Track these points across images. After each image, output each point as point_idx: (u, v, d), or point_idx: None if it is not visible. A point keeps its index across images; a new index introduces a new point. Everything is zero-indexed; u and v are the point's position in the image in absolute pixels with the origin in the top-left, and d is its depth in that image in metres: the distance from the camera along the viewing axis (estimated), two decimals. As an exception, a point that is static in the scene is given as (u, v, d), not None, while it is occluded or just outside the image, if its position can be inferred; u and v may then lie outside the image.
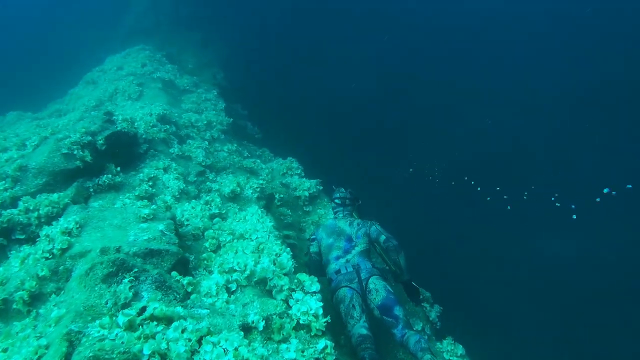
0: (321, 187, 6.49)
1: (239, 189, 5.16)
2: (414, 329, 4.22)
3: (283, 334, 2.87)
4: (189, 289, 3.20)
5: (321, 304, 3.20)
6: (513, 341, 8.68)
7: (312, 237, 4.99)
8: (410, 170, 11.36)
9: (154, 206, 4.16)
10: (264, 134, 10.95)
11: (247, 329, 2.84)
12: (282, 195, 6.25)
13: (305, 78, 16.71)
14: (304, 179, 6.67)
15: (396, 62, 18.02)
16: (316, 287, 3.43)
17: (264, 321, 2.86)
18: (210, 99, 8.77)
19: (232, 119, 8.06)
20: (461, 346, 4.81)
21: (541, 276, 10.83)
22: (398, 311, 4.02)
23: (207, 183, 5.51)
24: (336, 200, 5.27)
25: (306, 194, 6.34)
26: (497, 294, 10.62)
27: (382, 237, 4.68)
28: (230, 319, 2.87)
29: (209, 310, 2.92)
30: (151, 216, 3.82)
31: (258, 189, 5.24)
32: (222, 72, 12.32)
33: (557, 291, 10.14)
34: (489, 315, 9.12)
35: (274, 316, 2.96)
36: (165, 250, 3.39)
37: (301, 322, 3.02)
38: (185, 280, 3.18)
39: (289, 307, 3.13)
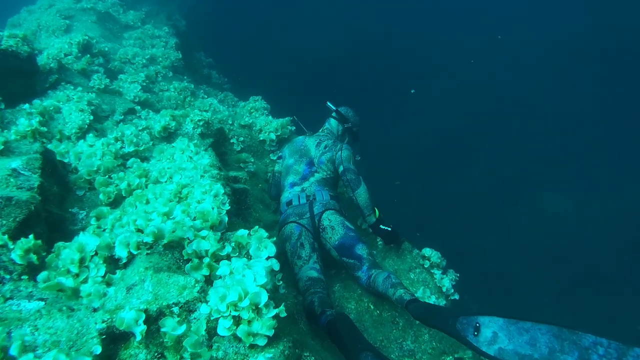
0: (293, 128, 5.05)
1: (174, 124, 3.70)
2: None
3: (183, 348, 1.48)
4: (36, 262, 1.79)
5: (273, 281, 1.84)
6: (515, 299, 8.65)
7: (278, 154, 4.37)
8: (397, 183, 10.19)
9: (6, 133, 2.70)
10: (233, 85, 9.46)
11: (114, 339, 1.46)
12: (242, 139, 4.81)
13: (282, 29, 15.12)
14: (270, 117, 5.21)
15: (375, 14, 16.42)
16: (271, 250, 2.05)
17: (145, 325, 1.47)
18: (160, 36, 7.16)
19: (181, 55, 6.48)
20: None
21: (542, 233, 10.61)
22: (361, 250, 3.42)
23: (135, 121, 4.05)
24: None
25: (272, 136, 4.89)
26: (499, 254, 10.15)
27: (341, 168, 3.89)
28: (86, 321, 1.48)
29: (43, 303, 1.52)
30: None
31: (202, 123, 3.78)
32: (183, 20, 10.66)
33: (559, 247, 10.11)
34: (490, 275, 8.92)
35: (171, 310, 1.58)
36: (7, 198, 1.97)
37: (225, 320, 1.62)
38: (23, 247, 1.77)
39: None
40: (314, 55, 13.40)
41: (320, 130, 4.46)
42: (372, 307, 3.34)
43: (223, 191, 2.24)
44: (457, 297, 3.75)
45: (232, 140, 4.75)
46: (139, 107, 4.44)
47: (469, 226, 10.34)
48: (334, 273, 3.74)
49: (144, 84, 5.15)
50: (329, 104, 4.51)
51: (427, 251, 3.91)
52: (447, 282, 3.75)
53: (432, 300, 3.47)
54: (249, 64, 12.21)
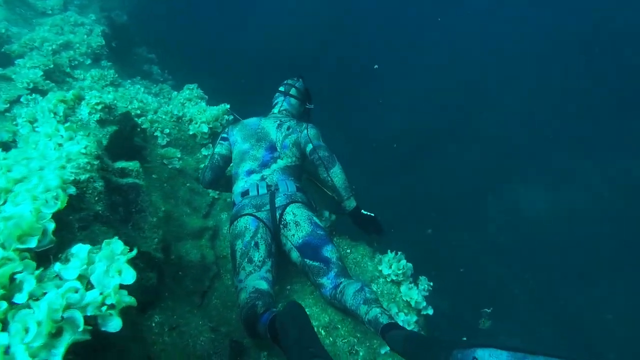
0: (231, 118, 4.26)
1: (62, 109, 2.87)
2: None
3: None
4: None
5: None
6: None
7: (222, 136, 3.54)
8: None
9: None
10: (178, 82, 8.58)
11: None
12: (168, 131, 4.00)
13: (238, 27, 14.30)
14: (204, 105, 4.41)
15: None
16: (127, 275, 1.25)
17: None
18: (84, 24, 6.23)
19: (104, 41, 5.58)
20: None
21: (517, 229, 10.19)
22: (330, 252, 2.78)
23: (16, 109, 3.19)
24: (280, 87, 3.88)
25: (205, 128, 4.10)
26: (475, 251, 9.77)
27: (309, 147, 3.27)
28: None
29: None
30: None
31: (100, 107, 2.95)
32: (125, 15, 9.71)
33: (536, 245, 9.72)
34: (466, 275, 8.32)
35: None
36: None
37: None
38: None
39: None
40: (272, 52, 12.57)
41: (276, 112, 3.72)
42: (322, 333, 2.58)
43: (57, 183, 1.43)
44: (430, 312, 3.03)
45: (155, 134, 3.93)
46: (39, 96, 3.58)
47: (442, 224, 9.81)
48: (277, 289, 2.98)
49: (51, 70, 4.27)
50: (295, 79, 3.85)
51: (389, 257, 3.17)
52: (415, 293, 3.01)
53: (400, 319, 2.74)
54: (200, 61, 11.29)
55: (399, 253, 3.18)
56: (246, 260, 2.73)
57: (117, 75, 5.04)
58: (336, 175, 3.14)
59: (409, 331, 2.13)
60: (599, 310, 8.92)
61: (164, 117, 4.12)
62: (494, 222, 10.69)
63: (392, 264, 3.10)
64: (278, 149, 3.28)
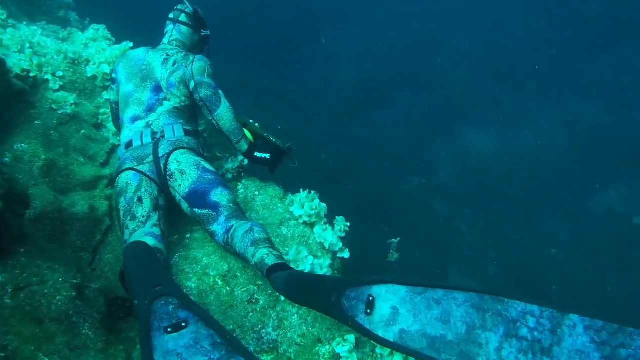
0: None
1: None
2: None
3: None
4: None
5: None
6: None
7: (111, 77, 3.18)
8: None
9: None
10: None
11: None
12: (61, 74, 3.55)
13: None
14: (105, 45, 3.94)
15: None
16: None
17: None
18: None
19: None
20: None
21: (465, 171, 10.40)
22: (219, 195, 2.51)
23: None
24: (170, 15, 3.31)
25: (105, 68, 3.66)
26: (423, 196, 9.77)
27: (191, 85, 2.82)
28: None
29: None
30: None
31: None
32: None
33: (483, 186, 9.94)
34: (413, 219, 8.58)
35: None
36: None
37: None
38: None
39: None
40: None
41: (166, 42, 3.24)
42: (220, 283, 2.35)
43: None
44: (346, 254, 2.84)
45: (46, 77, 3.47)
46: None
47: (389, 170, 9.78)
48: (177, 239, 2.72)
49: None
50: (185, 2, 3.33)
51: (301, 196, 2.93)
52: (330, 235, 2.80)
53: (309, 262, 2.52)
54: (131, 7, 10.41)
55: (312, 192, 2.94)
56: (129, 218, 2.45)
57: (7, 17, 4.43)
58: (221, 118, 2.78)
59: (294, 271, 1.91)
60: (544, 246, 9.21)
61: (56, 57, 3.65)
62: (443, 166, 10.74)
63: (305, 204, 2.86)
64: (164, 89, 2.88)
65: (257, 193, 3.00)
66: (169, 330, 1.53)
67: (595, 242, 8.69)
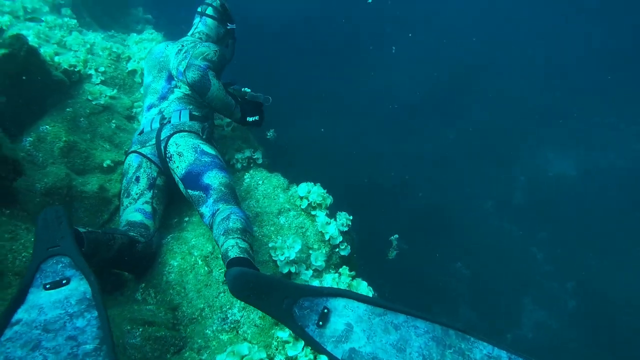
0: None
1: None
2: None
3: None
4: None
5: None
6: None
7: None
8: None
9: None
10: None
11: None
12: (103, 69, 3.81)
13: None
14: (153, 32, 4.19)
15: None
16: None
17: None
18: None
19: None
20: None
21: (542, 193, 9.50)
22: (212, 178, 2.47)
23: None
24: (198, 8, 3.41)
25: (144, 64, 3.87)
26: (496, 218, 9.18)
27: (181, 67, 2.89)
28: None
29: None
30: None
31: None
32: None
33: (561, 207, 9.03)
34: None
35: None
36: None
37: None
38: None
39: None
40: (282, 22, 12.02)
41: (190, 34, 3.35)
42: (200, 262, 2.31)
43: None
44: (346, 252, 2.69)
45: (89, 72, 3.75)
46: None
47: (456, 189, 9.31)
48: (175, 222, 2.75)
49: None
50: (210, 0, 3.40)
51: (304, 187, 2.84)
52: (333, 228, 2.68)
53: (297, 250, 2.39)
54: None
55: (317, 184, 2.84)
56: (125, 195, 2.56)
57: (77, 24, 4.86)
58: (213, 99, 2.82)
59: (248, 270, 1.80)
60: (633, 280, 8.18)
61: (101, 53, 3.94)
62: (518, 187, 10.05)
63: (312, 190, 2.78)
64: (174, 77, 2.98)
65: (260, 182, 2.95)
66: (47, 286, 1.51)
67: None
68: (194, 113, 2.88)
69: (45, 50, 3.57)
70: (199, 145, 2.65)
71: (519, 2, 13.33)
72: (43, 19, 4.55)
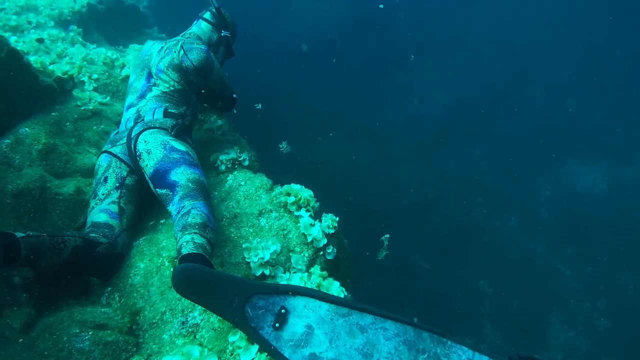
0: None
1: None
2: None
3: None
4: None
5: None
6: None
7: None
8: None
9: None
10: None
11: None
12: (96, 76, 3.78)
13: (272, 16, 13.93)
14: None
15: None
16: None
17: None
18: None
19: (78, 6, 5.44)
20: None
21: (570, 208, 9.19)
22: (179, 174, 2.31)
23: None
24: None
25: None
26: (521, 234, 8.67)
27: (181, 54, 2.77)
28: None
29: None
30: None
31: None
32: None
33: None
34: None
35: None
36: None
37: None
38: None
39: None
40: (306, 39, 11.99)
41: (180, 35, 3.28)
42: (167, 264, 2.15)
43: None
44: (332, 256, 2.49)
45: (82, 79, 3.72)
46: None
47: (482, 206, 8.99)
48: (151, 225, 2.61)
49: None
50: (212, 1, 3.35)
51: (293, 187, 2.67)
52: (317, 230, 2.48)
53: (272, 251, 2.21)
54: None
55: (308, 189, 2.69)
56: (92, 196, 2.45)
57: (80, 37, 4.88)
58: (215, 80, 2.96)
59: (193, 265, 1.63)
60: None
61: (95, 59, 3.92)
62: (545, 203, 9.66)
63: (299, 191, 2.62)
64: (153, 76, 2.88)
65: (242, 183, 2.79)
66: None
67: None
68: (170, 110, 2.77)
69: (40, 59, 3.55)
70: (168, 142, 2.52)
71: (543, 15, 13.04)
72: (45, 32, 4.59)
